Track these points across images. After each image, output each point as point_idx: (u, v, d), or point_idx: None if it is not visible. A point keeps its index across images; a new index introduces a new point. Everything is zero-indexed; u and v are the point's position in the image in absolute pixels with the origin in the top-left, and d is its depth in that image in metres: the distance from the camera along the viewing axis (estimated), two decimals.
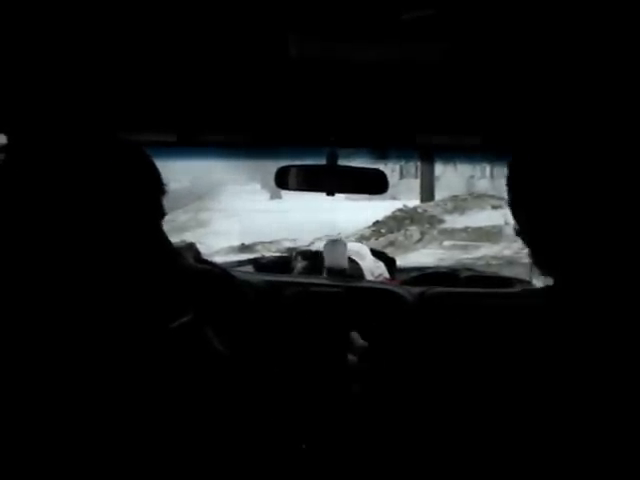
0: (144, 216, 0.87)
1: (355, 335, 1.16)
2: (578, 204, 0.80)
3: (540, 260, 0.88)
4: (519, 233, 0.90)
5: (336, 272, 2.07)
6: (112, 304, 0.84)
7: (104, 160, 0.83)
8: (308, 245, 8.58)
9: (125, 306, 0.86)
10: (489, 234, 10.85)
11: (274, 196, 15.10)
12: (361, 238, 10.56)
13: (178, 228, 11.10)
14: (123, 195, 0.83)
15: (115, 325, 0.83)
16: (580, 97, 0.88)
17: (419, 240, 11.06)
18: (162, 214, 0.91)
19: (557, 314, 0.83)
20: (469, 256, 9.76)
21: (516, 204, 0.90)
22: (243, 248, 9.91)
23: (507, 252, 9.96)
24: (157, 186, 0.89)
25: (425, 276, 2.33)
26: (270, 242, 10.28)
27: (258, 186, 16.46)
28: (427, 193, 13.79)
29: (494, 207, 12.25)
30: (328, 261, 2.09)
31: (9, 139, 1.21)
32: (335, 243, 2.14)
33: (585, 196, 0.79)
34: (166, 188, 0.90)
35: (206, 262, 1.45)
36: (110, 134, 0.87)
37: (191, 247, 1.40)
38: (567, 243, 0.82)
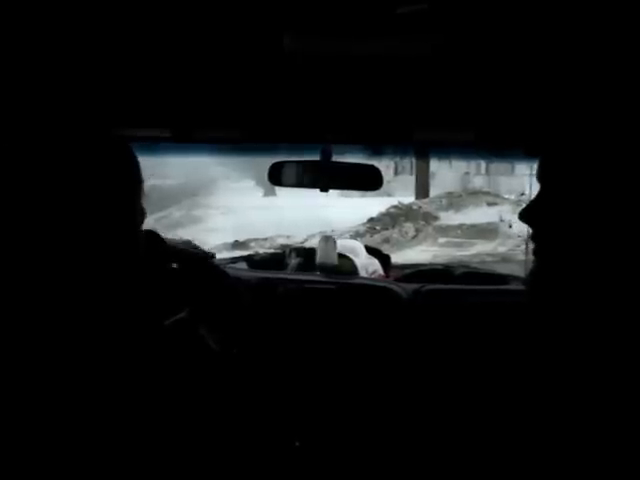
0: (132, 212, 0.87)
1: None
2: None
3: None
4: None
5: (326, 268, 2.07)
6: (105, 301, 0.84)
7: (91, 155, 0.83)
8: (302, 242, 8.61)
9: (119, 303, 0.85)
10: (484, 231, 10.90)
11: (268, 193, 15.11)
12: (356, 235, 10.58)
13: (172, 225, 11.10)
14: (109, 189, 0.83)
15: (109, 322, 0.83)
16: (580, 94, 0.87)
17: (414, 237, 11.08)
18: (142, 212, 0.90)
19: (547, 313, 0.83)
20: (464, 253, 9.79)
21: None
22: (237, 245, 9.92)
23: (502, 249, 10.00)
24: (138, 179, 0.89)
25: (420, 273, 2.33)
26: (264, 239, 10.29)
27: (252, 183, 16.49)
28: (422, 190, 13.82)
29: (489, 204, 12.31)
30: (319, 258, 2.09)
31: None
32: (327, 240, 2.14)
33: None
34: (142, 179, 0.89)
35: None
36: (98, 129, 0.86)
37: (187, 244, 1.39)
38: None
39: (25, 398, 0.75)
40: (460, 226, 11.26)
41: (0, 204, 0.78)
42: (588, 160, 0.79)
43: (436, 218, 11.84)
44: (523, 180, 12.05)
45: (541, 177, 0.86)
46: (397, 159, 14.18)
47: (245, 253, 2.79)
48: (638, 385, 0.73)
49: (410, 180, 14.77)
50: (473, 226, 11.16)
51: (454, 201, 12.58)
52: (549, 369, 0.78)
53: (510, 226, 10.49)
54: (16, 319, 0.78)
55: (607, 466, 0.73)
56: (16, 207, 0.78)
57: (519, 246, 9.19)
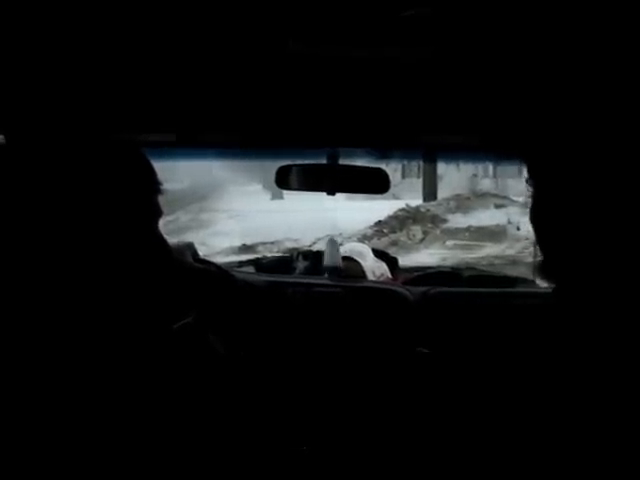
0: (140, 216, 0.87)
1: None
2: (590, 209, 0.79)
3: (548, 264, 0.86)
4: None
5: (331, 270, 2.06)
6: (113, 305, 0.84)
7: (98, 159, 0.83)
8: (310, 245, 8.60)
9: (127, 307, 0.85)
10: (492, 233, 10.86)
11: (276, 196, 15.11)
12: (363, 238, 10.56)
13: (180, 229, 11.13)
14: (118, 194, 0.83)
15: (117, 326, 0.83)
16: (584, 97, 0.87)
17: (422, 240, 11.06)
18: (159, 213, 0.90)
19: (560, 316, 0.82)
20: (472, 256, 9.76)
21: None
22: (245, 249, 9.92)
23: (510, 251, 9.96)
24: (152, 185, 0.89)
25: (427, 276, 2.32)
26: (272, 242, 10.30)
27: (259, 186, 16.48)
28: (430, 192, 13.79)
29: (497, 206, 12.26)
30: (326, 260, 2.09)
31: (6, 139, 1.21)
32: (332, 243, 2.14)
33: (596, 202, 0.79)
34: (162, 187, 0.89)
35: (204, 262, 1.45)
36: (104, 133, 0.86)
37: (190, 246, 1.40)
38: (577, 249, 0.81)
39: (30, 401, 0.75)
40: (468, 229, 11.23)
41: (14, 208, 0.79)
42: (578, 159, 0.80)
43: (444, 221, 11.80)
44: None
45: (533, 178, 0.87)
46: (404, 162, 14.16)
47: (253, 257, 2.79)
48: None
49: (418, 183, 14.74)
50: (481, 228, 11.12)
51: (462, 204, 12.54)
52: (559, 373, 0.78)
53: (518, 228, 10.45)
54: (22, 321, 0.78)
55: (612, 467, 0.73)
56: (31, 211, 0.79)
57: (527, 248, 9.15)
